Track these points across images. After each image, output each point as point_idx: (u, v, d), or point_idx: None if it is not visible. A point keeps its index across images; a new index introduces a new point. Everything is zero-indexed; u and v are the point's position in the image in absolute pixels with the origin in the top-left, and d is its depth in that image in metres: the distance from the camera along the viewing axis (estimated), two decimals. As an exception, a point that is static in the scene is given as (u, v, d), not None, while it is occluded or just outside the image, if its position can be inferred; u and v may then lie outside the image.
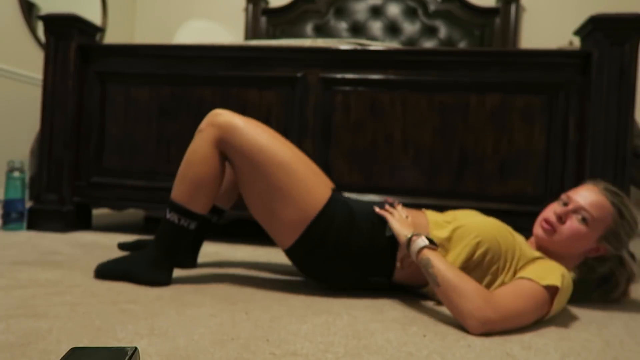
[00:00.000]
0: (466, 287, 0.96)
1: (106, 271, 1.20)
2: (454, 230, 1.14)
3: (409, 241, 1.06)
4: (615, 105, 1.57)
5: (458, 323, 0.98)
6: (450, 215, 1.23)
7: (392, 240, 1.14)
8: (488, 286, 1.10)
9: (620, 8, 3.15)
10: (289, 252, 1.17)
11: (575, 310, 1.14)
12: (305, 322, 0.94)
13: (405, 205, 1.69)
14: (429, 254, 1.02)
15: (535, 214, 1.66)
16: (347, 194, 1.76)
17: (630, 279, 1.20)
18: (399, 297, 1.17)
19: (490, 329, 0.92)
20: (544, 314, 1.02)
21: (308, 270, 1.18)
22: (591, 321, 1.06)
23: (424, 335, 0.90)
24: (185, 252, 1.36)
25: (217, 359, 0.74)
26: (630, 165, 1.56)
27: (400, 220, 1.14)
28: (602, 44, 1.57)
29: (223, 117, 1.18)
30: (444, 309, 1.08)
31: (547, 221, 1.15)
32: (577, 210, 1.12)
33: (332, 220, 1.12)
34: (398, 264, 1.15)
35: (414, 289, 1.19)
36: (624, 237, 1.13)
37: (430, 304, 1.12)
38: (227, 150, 1.16)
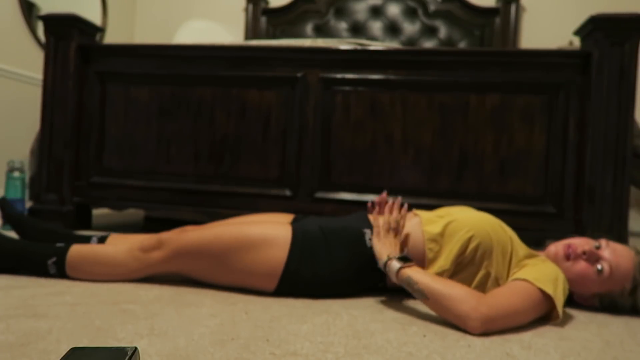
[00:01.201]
0: (456, 292, 0.96)
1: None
2: (446, 225, 1.14)
3: (385, 265, 1.06)
4: (615, 105, 1.57)
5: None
6: (443, 210, 1.24)
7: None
8: (483, 280, 1.10)
9: (620, 8, 3.14)
10: (276, 293, 1.13)
11: (575, 310, 1.14)
12: (305, 322, 0.94)
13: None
14: (407, 272, 1.01)
15: (536, 214, 1.67)
16: (347, 194, 1.76)
17: None
18: (399, 297, 1.17)
19: (490, 328, 0.92)
20: (542, 314, 1.02)
21: (302, 296, 1.15)
22: (591, 321, 1.06)
23: (424, 335, 0.90)
24: None
25: (217, 359, 0.74)
26: (630, 165, 1.56)
27: (384, 239, 1.11)
28: (602, 44, 1.57)
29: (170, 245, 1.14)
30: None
31: (571, 248, 1.13)
32: (601, 260, 1.09)
33: (304, 252, 1.10)
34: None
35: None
36: (620, 303, 1.12)
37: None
38: (176, 273, 1.18)
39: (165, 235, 1.16)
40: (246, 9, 3.72)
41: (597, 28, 1.58)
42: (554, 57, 1.66)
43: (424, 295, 0.98)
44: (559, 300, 1.00)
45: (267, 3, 3.76)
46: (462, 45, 3.46)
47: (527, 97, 1.67)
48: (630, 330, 1.00)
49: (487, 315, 0.92)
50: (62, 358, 0.61)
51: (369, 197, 1.75)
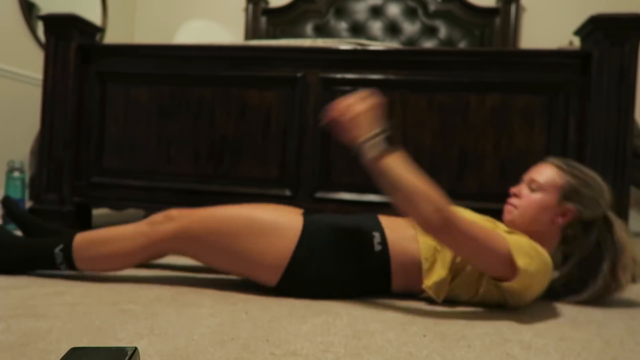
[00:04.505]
0: (424, 191, 1.00)
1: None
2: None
3: (360, 148, 1.01)
4: (615, 105, 1.57)
5: (458, 323, 0.98)
6: None
7: (384, 256, 1.12)
8: (480, 279, 1.10)
9: (620, 8, 3.15)
10: (278, 290, 1.13)
11: (575, 310, 1.14)
12: (305, 322, 0.94)
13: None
14: (387, 163, 1.00)
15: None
16: (347, 195, 1.76)
17: (618, 256, 1.15)
18: (399, 297, 1.17)
19: (445, 232, 0.97)
20: (494, 271, 1.02)
21: (303, 295, 1.14)
22: (591, 321, 1.06)
23: (424, 335, 0.90)
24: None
25: (217, 359, 0.74)
26: (630, 165, 1.56)
27: (352, 121, 1.02)
28: (602, 44, 1.57)
29: (175, 223, 1.13)
30: (443, 309, 1.08)
31: (507, 202, 1.24)
32: (527, 184, 1.20)
33: (312, 246, 1.10)
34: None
35: (415, 294, 1.18)
36: (587, 193, 1.14)
37: (430, 304, 1.12)
38: (181, 252, 1.16)
39: (175, 212, 1.15)
40: (246, 9, 3.72)
41: (597, 28, 1.58)
42: (554, 57, 1.66)
43: (395, 190, 1.00)
44: (526, 278, 1.01)
45: (267, 3, 3.76)
46: (462, 45, 3.46)
47: (527, 97, 1.67)
48: (630, 330, 1.00)
49: (448, 221, 0.97)
50: (62, 358, 0.61)
51: (370, 197, 1.75)
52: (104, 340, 0.79)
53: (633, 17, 1.55)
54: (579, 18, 3.11)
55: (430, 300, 1.14)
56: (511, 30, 3.38)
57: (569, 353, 0.85)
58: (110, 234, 1.17)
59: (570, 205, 1.14)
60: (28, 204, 2.02)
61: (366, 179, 1.76)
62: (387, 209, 1.69)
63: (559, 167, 1.18)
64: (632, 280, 1.17)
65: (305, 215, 1.21)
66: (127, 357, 0.61)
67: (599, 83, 1.58)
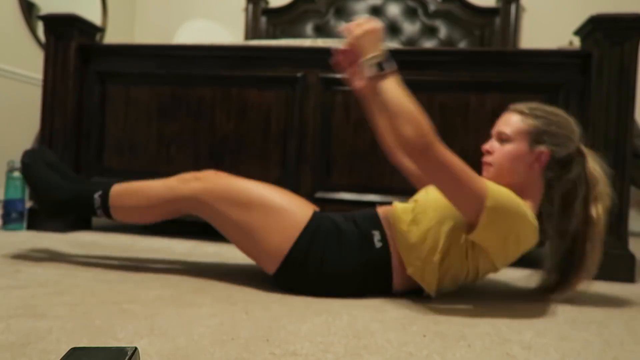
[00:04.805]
0: (414, 114, 0.98)
1: (31, 167, 1.30)
2: (412, 210, 1.15)
3: (368, 66, 1.06)
4: (615, 105, 1.57)
5: (458, 323, 0.98)
6: (416, 196, 1.22)
7: (384, 252, 1.13)
8: (467, 252, 1.09)
9: (620, 8, 3.15)
10: (276, 278, 1.16)
11: (575, 310, 1.14)
12: (305, 322, 0.94)
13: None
14: (386, 84, 1.03)
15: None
16: (347, 195, 1.76)
17: (590, 190, 1.13)
18: (399, 297, 1.17)
19: (425, 157, 0.98)
20: (465, 204, 1.02)
21: (303, 287, 1.15)
22: (591, 321, 1.06)
23: (424, 335, 0.90)
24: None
25: (217, 359, 0.74)
26: (630, 165, 1.56)
27: (354, 44, 1.11)
28: (602, 44, 1.57)
29: (199, 184, 1.20)
30: (444, 309, 1.08)
31: (482, 162, 1.21)
32: (496, 137, 1.18)
33: (316, 237, 1.11)
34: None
35: (416, 292, 1.18)
36: (555, 131, 1.13)
37: (430, 304, 1.12)
38: (199, 213, 1.21)
39: (204, 174, 1.22)
40: (246, 9, 3.72)
41: (597, 28, 1.58)
42: (554, 57, 1.66)
43: (385, 109, 1.03)
44: (492, 214, 1.00)
45: (267, 3, 3.76)
46: (462, 45, 3.46)
47: (527, 97, 1.67)
48: (631, 330, 1.00)
49: (428, 146, 0.97)
50: (62, 358, 0.61)
51: (370, 197, 1.75)
52: (104, 340, 0.79)
53: (633, 17, 1.55)
54: (579, 18, 3.11)
55: (430, 299, 1.14)
56: (511, 30, 3.39)
57: (569, 353, 0.85)
58: (142, 185, 1.27)
59: (542, 148, 1.13)
60: (28, 204, 2.02)
61: (366, 179, 1.76)
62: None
63: (522, 113, 1.16)
64: (602, 213, 1.14)
65: (315, 212, 1.22)
66: (127, 357, 0.61)
67: (599, 83, 1.58)
